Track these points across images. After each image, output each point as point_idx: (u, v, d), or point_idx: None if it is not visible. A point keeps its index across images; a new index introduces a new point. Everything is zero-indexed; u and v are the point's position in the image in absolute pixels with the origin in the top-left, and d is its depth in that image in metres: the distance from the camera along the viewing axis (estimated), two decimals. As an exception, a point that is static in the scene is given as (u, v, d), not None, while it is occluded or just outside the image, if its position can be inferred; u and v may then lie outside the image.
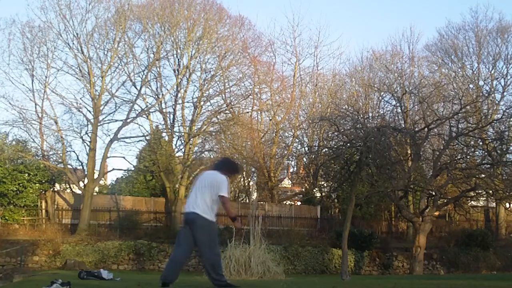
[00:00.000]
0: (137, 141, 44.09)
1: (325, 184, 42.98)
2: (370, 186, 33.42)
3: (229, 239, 24.47)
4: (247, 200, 52.42)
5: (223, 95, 45.67)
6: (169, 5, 42.87)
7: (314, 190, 49.13)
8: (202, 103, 43.68)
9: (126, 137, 42.66)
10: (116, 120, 41.78)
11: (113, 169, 46.26)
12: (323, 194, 48.51)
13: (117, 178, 51.47)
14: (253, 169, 53.59)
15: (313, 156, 39.94)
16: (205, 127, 43.43)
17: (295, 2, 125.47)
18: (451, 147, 34.51)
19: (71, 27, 39.75)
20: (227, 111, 45.46)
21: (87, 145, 40.56)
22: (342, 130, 30.03)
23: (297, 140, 53.43)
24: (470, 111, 38.55)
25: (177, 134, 44.09)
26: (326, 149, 33.99)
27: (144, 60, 43.30)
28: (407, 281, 18.60)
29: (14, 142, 41.01)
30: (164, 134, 44.87)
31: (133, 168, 45.95)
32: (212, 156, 47.81)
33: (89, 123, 40.37)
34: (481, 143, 35.90)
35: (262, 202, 46.40)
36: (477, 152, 37.69)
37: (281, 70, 55.53)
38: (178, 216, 41.44)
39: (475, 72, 52.02)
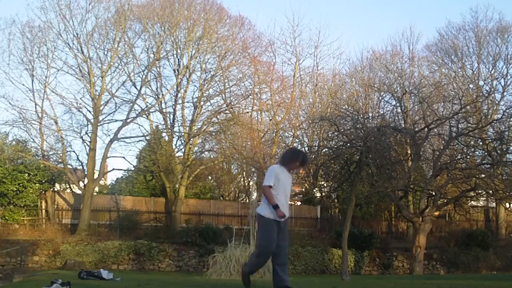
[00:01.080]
0: (137, 141, 44.18)
1: (325, 184, 42.96)
2: (370, 186, 33.43)
3: (229, 239, 24.49)
4: (247, 200, 52.41)
5: (223, 95, 45.70)
6: (169, 5, 42.88)
7: (314, 190, 49.11)
8: (202, 103, 43.71)
9: (126, 137, 42.72)
10: (116, 120, 41.86)
11: (113, 169, 46.37)
12: (323, 194, 48.52)
13: (117, 178, 51.50)
14: (253, 169, 53.60)
15: (313, 156, 39.89)
16: (205, 127, 43.46)
17: (295, 2, 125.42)
18: (451, 147, 34.51)
19: (71, 27, 39.79)
20: (227, 111, 45.48)
21: (87, 145, 40.61)
22: (342, 130, 30.04)
23: (297, 140, 53.38)
24: (470, 111, 38.56)
25: (177, 134, 44.15)
26: (326, 149, 33.97)
27: (144, 60, 43.40)
28: (407, 281, 18.60)
29: (14, 142, 41.01)
30: (164, 134, 44.91)
31: (133, 168, 45.96)
32: (212, 156, 47.88)
33: (89, 123, 40.38)
34: (481, 143, 35.88)
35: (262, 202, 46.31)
36: (477, 152, 37.67)
37: (281, 70, 55.53)
38: (178, 216, 41.49)
39: (475, 72, 52.03)
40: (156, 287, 10.58)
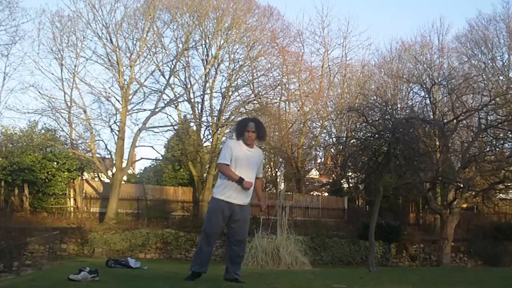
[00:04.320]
0: (165, 131, 44.31)
1: (353, 176, 42.85)
2: (398, 177, 33.26)
3: (256, 229, 24.55)
4: (275, 190, 52.45)
5: (251, 85, 45.75)
6: (198, -5, 42.90)
7: (342, 181, 49.02)
8: (230, 93, 43.76)
9: (155, 127, 42.85)
10: (145, 110, 41.94)
11: (141, 158, 46.48)
12: (351, 185, 48.42)
13: (145, 168, 51.74)
14: (280, 160, 53.65)
15: (341, 147, 39.81)
16: (233, 117, 43.45)
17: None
18: (480, 139, 34.26)
19: (100, 16, 39.92)
20: (255, 101, 45.57)
21: (116, 134, 40.74)
22: (370, 121, 29.84)
23: (325, 131, 53.40)
24: (500, 103, 38.24)
25: (205, 123, 44.17)
26: (354, 140, 33.84)
27: (172, 50, 43.47)
28: (434, 273, 18.54)
29: (43, 131, 41.33)
30: (192, 124, 45.02)
31: (161, 158, 46.09)
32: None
33: (117, 112, 40.53)
34: (510, 136, 35.62)
35: (289, 193, 46.38)
36: (506, 145, 37.42)
37: (310, 60, 55.51)
38: (205, 206, 41.56)
39: (505, 64, 51.54)
40: (183, 276, 10.60)
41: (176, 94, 43.62)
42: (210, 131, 43.52)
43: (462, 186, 34.18)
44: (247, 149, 9.83)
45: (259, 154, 10.13)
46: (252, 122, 9.97)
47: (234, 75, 43.92)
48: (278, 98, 49.78)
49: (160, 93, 42.03)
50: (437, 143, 33.90)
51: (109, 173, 41.72)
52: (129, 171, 47.31)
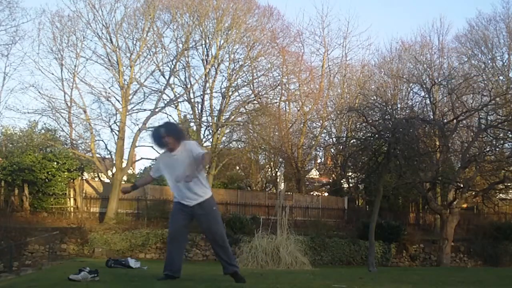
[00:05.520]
0: (166, 131, 44.21)
1: (352, 176, 42.85)
2: (398, 177, 33.27)
3: (256, 229, 24.56)
4: (275, 190, 52.43)
5: (251, 85, 45.78)
6: (198, -5, 42.92)
7: (342, 181, 49.00)
8: (230, 93, 43.80)
9: (155, 127, 42.80)
10: (145, 110, 41.89)
11: (142, 158, 46.46)
12: (351, 185, 48.40)
13: (145, 167, 51.69)
14: (280, 160, 53.63)
15: (341, 147, 39.79)
16: (233, 117, 43.51)
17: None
18: (480, 139, 34.27)
19: (100, 16, 39.87)
20: (255, 101, 45.59)
21: (116, 134, 40.67)
22: (370, 121, 29.84)
23: (325, 131, 53.39)
24: (500, 103, 38.25)
25: (205, 124, 44.18)
26: (354, 140, 33.85)
27: (172, 49, 43.49)
28: (434, 273, 18.56)
29: (43, 131, 41.30)
30: (192, 124, 45.03)
31: (161, 158, 45.98)
32: (240, 146, 47.95)
33: (117, 112, 40.49)
34: (510, 136, 35.63)
35: (289, 193, 46.35)
36: (506, 145, 37.45)
37: (310, 60, 55.68)
38: (205, 206, 41.49)
39: (505, 64, 51.52)
40: (183, 275, 10.64)
41: (176, 94, 43.70)
42: (210, 131, 43.53)
43: (462, 186, 34.21)
44: (172, 154, 10.39)
45: (185, 150, 10.38)
46: (161, 129, 10.45)
47: (234, 75, 43.98)
48: (278, 98, 49.88)
49: (160, 93, 42.04)
50: (437, 143, 33.93)
51: (109, 173, 41.67)
52: (129, 171, 47.29)
